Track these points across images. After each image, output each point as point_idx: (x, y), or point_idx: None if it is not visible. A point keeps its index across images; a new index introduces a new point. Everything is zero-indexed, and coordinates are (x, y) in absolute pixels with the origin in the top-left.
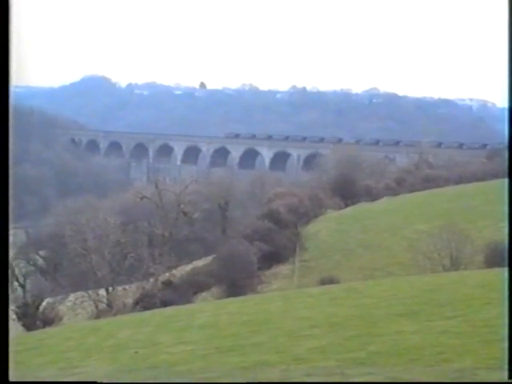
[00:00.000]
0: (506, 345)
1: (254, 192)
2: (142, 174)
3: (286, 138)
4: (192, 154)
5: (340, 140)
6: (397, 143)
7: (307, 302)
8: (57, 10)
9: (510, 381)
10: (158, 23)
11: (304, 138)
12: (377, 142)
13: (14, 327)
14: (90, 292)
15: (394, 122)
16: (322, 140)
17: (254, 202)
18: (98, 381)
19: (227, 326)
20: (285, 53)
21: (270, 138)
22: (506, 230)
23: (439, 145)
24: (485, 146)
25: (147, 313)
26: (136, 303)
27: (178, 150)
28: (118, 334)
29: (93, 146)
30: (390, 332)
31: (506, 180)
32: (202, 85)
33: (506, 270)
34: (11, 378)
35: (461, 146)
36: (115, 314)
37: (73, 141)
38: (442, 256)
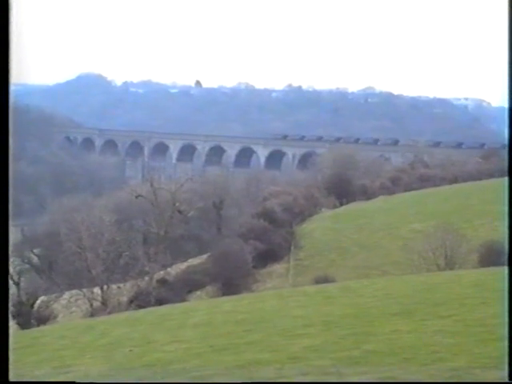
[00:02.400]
0: (505, 344)
1: (249, 190)
2: (137, 173)
3: (285, 137)
4: (187, 152)
5: (338, 139)
6: (395, 142)
7: (302, 301)
8: (52, 8)
9: (509, 381)
10: (153, 21)
11: (301, 137)
12: (375, 142)
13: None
14: (85, 290)
15: (389, 121)
16: (318, 139)
17: (249, 201)
18: (92, 379)
19: (222, 325)
20: (281, 51)
21: (266, 136)
22: (506, 229)
23: (437, 144)
24: (483, 145)
25: (142, 311)
26: (131, 301)
27: (174, 148)
28: (113, 332)
29: (88, 144)
30: (385, 331)
31: (505, 179)
32: (198, 83)
33: (505, 269)
34: (11, 378)
35: (459, 145)
36: (110, 313)
37: (68, 139)
38: (436, 255)
